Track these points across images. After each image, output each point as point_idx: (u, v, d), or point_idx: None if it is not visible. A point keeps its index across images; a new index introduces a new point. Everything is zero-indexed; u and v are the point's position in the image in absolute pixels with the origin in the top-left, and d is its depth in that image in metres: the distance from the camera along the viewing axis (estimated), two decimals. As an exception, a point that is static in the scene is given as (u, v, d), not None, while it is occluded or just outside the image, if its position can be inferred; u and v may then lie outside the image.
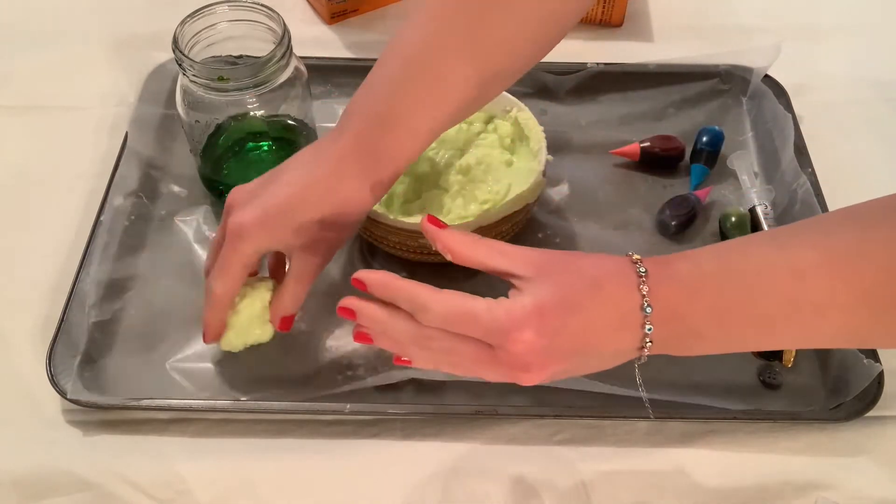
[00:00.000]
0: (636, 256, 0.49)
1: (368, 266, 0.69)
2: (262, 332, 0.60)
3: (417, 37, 0.55)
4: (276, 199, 0.55)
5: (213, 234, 0.70)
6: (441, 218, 0.67)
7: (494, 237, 0.64)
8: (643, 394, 0.58)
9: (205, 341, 0.59)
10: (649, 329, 0.47)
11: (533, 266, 0.48)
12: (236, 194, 0.57)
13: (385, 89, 0.55)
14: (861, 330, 0.48)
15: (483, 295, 0.48)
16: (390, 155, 0.55)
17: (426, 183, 0.70)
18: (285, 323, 0.59)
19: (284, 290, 0.58)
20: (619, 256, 0.50)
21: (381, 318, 0.50)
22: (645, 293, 0.47)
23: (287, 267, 0.61)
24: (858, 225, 0.47)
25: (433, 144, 0.71)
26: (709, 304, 0.47)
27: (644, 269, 0.48)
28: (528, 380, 0.48)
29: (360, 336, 0.52)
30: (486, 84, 0.56)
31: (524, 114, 0.70)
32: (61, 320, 0.63)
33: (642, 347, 0.48)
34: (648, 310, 0.47)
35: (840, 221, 0.48)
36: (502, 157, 0.70)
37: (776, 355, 0.63)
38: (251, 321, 0.60)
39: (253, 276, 0.61)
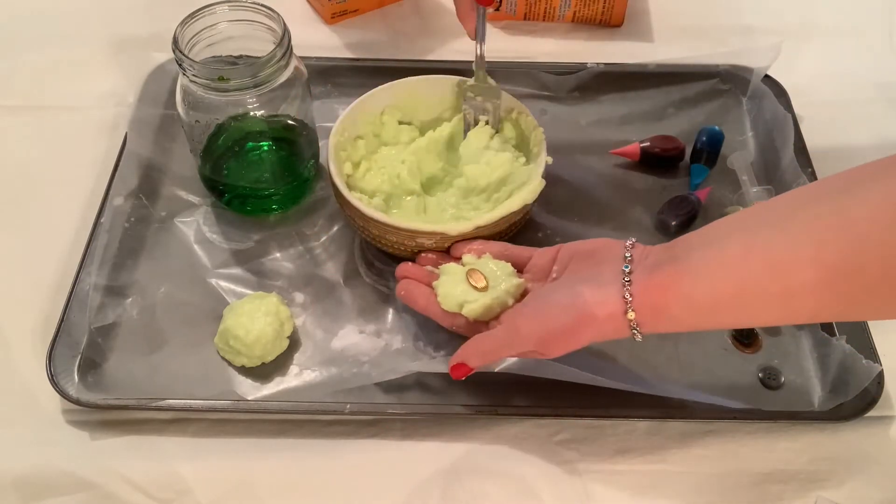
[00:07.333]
0: (627, 268, 0.53)
1: (367, 263, 0.69)
2: (276, 349, 0.62)
3: None
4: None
5: (211, 236, 0.71)
6: (440, 218, 0.67)
7: (493, 238, 0.65)
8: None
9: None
10: (635, 330, 0.52)
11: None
12: None
13: None
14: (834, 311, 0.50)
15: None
16: None
17: (426, 184, 0.70)
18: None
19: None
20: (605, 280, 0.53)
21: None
22: (628, 301, 0.51)
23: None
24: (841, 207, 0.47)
25: (433, 146, 0.71)
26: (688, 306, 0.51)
27: (629, 279, 0.52)
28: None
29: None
30: None
31: (525, 116, 0.70)
32: (61, 320, 0.63)
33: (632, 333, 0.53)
34: (631, 315, 0.51)
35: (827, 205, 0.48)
36: (504, 159, 0.70)
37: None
38: (265, 349, 0.61)
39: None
